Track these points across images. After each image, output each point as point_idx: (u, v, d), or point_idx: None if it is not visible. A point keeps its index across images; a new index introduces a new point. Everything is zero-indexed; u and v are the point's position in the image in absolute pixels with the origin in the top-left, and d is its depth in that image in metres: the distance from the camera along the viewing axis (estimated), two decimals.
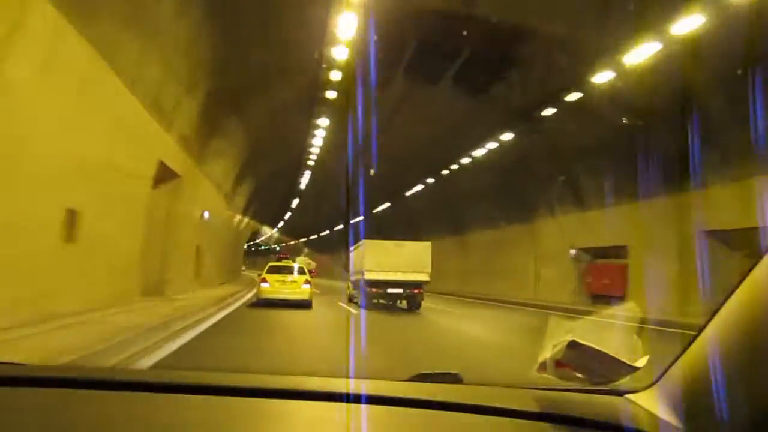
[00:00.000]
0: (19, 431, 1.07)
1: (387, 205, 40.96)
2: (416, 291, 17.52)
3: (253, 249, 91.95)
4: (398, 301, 18.20)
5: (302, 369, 6.29)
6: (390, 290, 17.48)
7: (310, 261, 66.39)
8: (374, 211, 43.29)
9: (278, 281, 16.08)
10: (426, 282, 17.69)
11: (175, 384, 1.35)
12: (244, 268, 78.86)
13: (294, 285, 16.14)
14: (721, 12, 10.52)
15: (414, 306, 17.75)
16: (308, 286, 16.24)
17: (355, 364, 6.45)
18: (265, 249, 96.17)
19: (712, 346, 0.99)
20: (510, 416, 1.19)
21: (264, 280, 16.13)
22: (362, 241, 18.46)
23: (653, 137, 13.67)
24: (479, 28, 13.18)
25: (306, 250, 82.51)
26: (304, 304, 15.78)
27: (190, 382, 1.37)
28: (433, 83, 17.89)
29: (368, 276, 17.33)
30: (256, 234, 78.18)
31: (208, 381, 1.40)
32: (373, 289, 17.41)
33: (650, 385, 1.17)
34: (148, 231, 14.07)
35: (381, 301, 17.92)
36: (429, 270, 17.68)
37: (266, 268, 17.15)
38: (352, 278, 20.47)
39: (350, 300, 20.78)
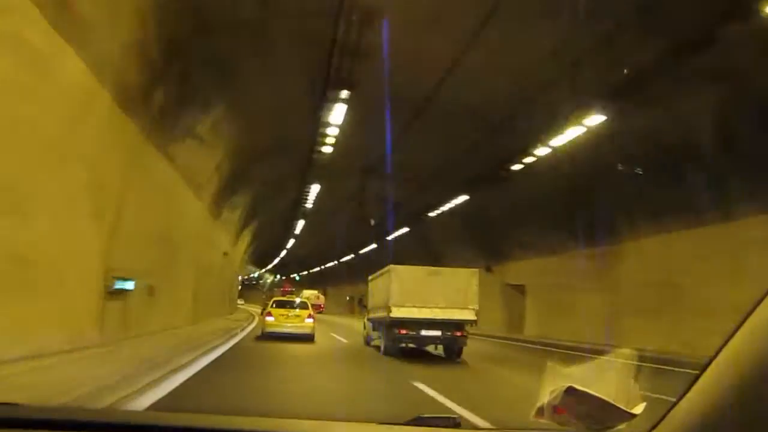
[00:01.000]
0: None
1: (404, 230, 34.52)
2: (458, 334, 13.25)
3: (253, 283, 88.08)
4: (434, 347, 14.23)
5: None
6: (424, 332, 13.26)
7: (319, 294, 62.20)
8: (389, 238, 38.67)
9: (282, 315, 16.80)
10: (472, 322, 13.42)
11: (170, 426, 1.36)
12: (242, 301, 76.04)
13: (297, 319, 16.77)
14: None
15: (453, 353, 13.57)
16: (311, 320, 16.90)
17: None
18: (264, 282, 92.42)
19: (711, 391, 0.97)
20: None
21: (269, 314, 17.00)
22: (387, 268, 14.11)
23: None
24: None
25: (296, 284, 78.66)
26: (307, 338, 16.40)
27: (185, 425, 1.39)
28: None
29: (395, 313, 13.09)
30: (256, 266, 74.56)
31: (203, 424, 1.42)
32: (401, 331, 13.18)
33: (648, 431, 1.13)
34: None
35: (410, 345, 14.05)
36: (476, 305, 13.42)
37: (271, 302, 18.13)
38: (371, 315, 16.03)
39: (367, 343, 16.91)
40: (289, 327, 16.50)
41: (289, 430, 1.39)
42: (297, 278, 78.41)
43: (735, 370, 0.93)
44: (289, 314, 16.98)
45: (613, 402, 1.26)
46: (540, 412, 1.36)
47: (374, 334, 15.81)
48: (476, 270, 13.91)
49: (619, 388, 1.31)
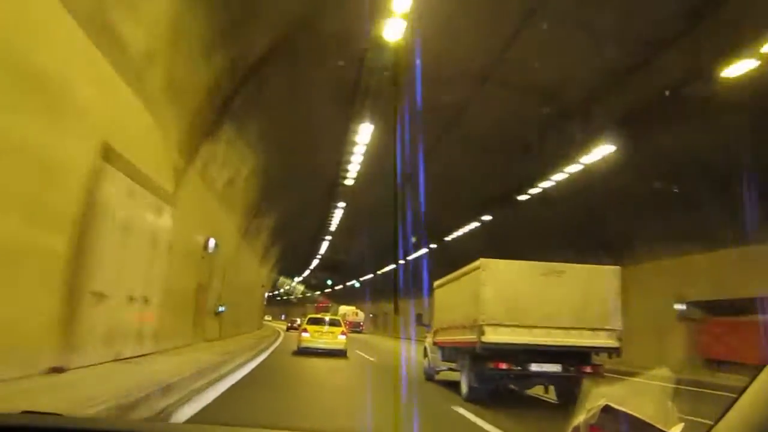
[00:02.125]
0: None
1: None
2: (587, 370, 8.35)
3: (278, 298, 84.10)
4: (544, 388, 9.45)
5: None
6: (535, 367, 8.36)
7: (357, 311, 57.18)
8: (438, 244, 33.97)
9: (317, 332, 17.48)
10: (612, 350, 8.43)
11: None
12: (269, 318, 73.51)
13: (331, 336, 17.41)
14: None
15: (573, 398, 8.02)
16: (344, 337, 17.57)
17: None
18: (293, 298, 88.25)
19: (750, 413, 0.97)
20: None
21: (305, 330, 17.84)
22: (475, 263, 8.97)
23: None
24: None
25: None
26: (339, 353, 16.95)
27: None
28: None
29: (490, 336, 8.18)
30: (279, 282, 70.81)
31: None
32: (498, 365, 8.25)
33: None
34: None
35: (512, 386, 9.49)
36: (618, 324, 8.43)
37: (306, 319, 19.25)
38: (440, 338, 11.11)
39: (428, 377, 12.08)
40: (322, 343, 17.11)
41: None
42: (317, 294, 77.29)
43: None
44: (323, 330, 17.56)
45: (649, 421, 1.22)
46: (576, 430, 1.33)
47: (443, 365, 11.10)
48: (618, 268, 8.77)
49: (656, 408, 1.28)
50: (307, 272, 60.27)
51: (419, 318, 14.67)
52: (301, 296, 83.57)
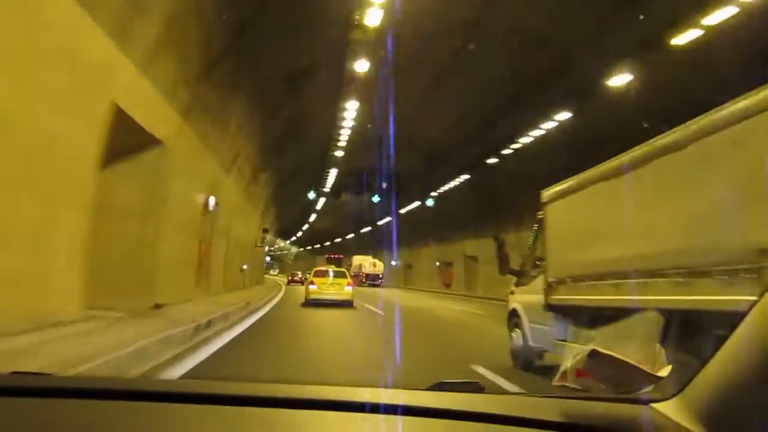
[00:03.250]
0: None
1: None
2: None
3: (278, 253, 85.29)
4: None
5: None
6: None
7: (375, 261, 48.36)
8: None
9: (324, 284, 18.05)
10: None
11: (203, 394, 1.35)
12: (277, 270, 73.91)
13: (338, 287, 17.95)
14: None
15: None
16: (350, 288, 18.02)
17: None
18: (290, 253, 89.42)
19: (740, 353, 0.96)
20: (532, 426, 1.12)
21: (312, 283, 18.31)
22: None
23: None
24: None
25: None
26: (347, 304, 17.42)
27: (217, 393, 1.38)
28: None
29: None
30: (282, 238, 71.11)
31: (235, 391, 1.41)
32: None
33: (675, 394, 1.11)
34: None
35: None
36: None
37: (313, 272, 20.02)
38: (558, 296, 6.01)
39: (523, 363, 6.86)
40: (330, 294, 17.60)
41: (314, 395, 1.31)
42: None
43: (764, 331, 0.92)
44: (331, 282, 18.10)
45: (637, 365, 1.24)
46: (563, 376, 1.38)
47: (551, 343, 6.16)
48: None
49: (644, 351, 1.28)
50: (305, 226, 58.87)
51: (503, 258, 7.80)
52: (311, 249, 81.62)
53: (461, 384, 1.45)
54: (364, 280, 44.98)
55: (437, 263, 41.19)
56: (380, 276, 47.30)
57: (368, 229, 52.83)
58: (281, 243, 77.90)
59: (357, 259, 49.56)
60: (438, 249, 41.04)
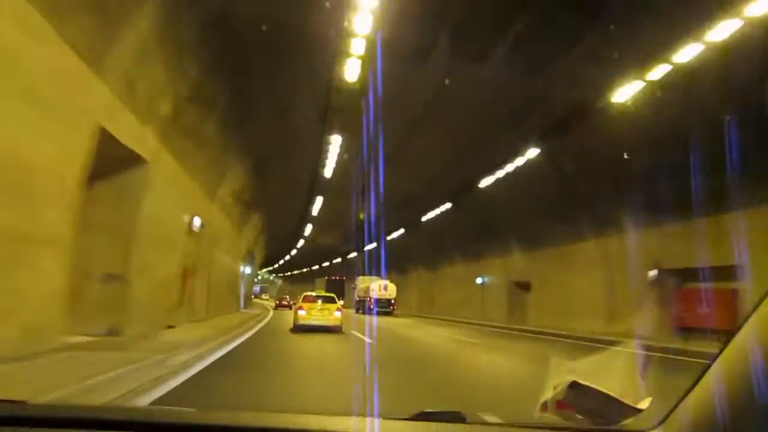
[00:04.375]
0: None
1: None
2: None
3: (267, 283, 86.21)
4: None
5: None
6: None
7: (387, 283, 37.86)
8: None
9: (312, 309, 17.64)
10: None
11: (176, 423, 1.36)
12: (267, 296, 74.49)
13: (327, 312, 17.55)
14: None
15: None
16: (339, 313, 17.70)
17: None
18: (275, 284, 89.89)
19: (720, 385, 0.95)
20: None
21: (301, 308, 17.75)
22: None
23: None
24: None
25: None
26: (335, 329, 17.21)
27: (190, 421, 1.40)
28: None
29: None
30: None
31: (209, 420, 1.42)
32: None
33: (656, 426, 1.12)
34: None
35: None
36: None
37: (302, 297, 18.76)
38: None
39: None
40: (319, 319, 17.36)
41: (293, 425, 1.36)
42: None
43: (743, 363, 0.91)
44: (320, 308, 17.71)
45: (617, 397, 1.21)
46: (544, 406, 1.32)
47: None
48: None
49: (625, 383, 1.24)
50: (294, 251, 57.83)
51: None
52: (307, 271, 75.16)
53: (443, 414, 1.43)
54: (372, 307, 36.05)
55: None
56: (392, 302, 37.75)
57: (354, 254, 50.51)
58: (265, 275, 76.98)
59: (363, 281, 39.94)
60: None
